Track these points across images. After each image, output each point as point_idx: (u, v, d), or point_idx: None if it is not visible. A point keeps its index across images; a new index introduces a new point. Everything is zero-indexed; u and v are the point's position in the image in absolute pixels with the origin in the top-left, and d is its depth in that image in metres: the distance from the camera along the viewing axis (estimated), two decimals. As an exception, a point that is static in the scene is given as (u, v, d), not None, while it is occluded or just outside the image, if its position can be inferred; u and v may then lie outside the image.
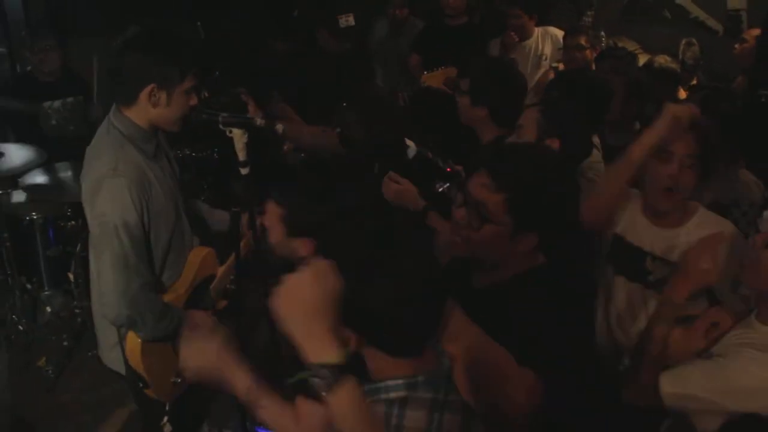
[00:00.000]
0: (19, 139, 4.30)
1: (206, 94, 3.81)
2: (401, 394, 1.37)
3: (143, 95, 2.20)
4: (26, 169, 3.98)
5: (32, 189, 3.93)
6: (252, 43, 5.29)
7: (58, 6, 5.38)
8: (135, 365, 2.37)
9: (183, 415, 2.62)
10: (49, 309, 4.16)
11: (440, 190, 2.72)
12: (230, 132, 2.28)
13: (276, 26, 5.31)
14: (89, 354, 3.92)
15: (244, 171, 2.32)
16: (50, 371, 3.90)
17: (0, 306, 4.28)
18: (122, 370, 2.46)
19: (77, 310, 4.06)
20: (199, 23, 5.61)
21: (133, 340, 2.32)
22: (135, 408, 3.19)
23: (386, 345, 1.36)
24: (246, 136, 2.29)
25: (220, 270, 2.65)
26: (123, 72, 2.22)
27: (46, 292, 4.15)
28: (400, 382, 1.37)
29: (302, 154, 3.60)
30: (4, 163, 3.90)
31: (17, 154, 3.99)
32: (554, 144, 2.55)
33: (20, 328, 4.09)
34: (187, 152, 4.24)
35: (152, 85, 2.19)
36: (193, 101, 2.30)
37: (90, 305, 3.69)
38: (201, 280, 2.55)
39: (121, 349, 2.39)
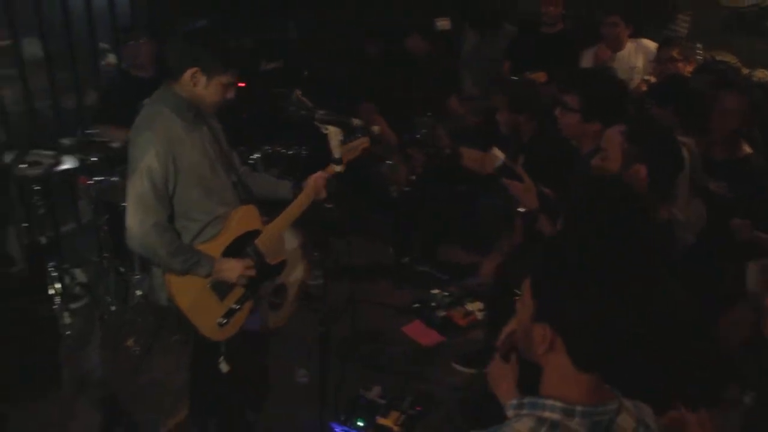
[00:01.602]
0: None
1: (299, 92, 3.89)
2: (555, 416, 1.34)
3: (187, 74, 2.54)
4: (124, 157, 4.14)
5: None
6: (343, 45, 5.38)
7: (160, 8, 5.58)
8: (175, 301, 2.68)
9: (239, 357, 2.90)
10: (138, 292, 4.33)
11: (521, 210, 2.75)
12: (325, 129, 2.35)
13: (368, 28, 5.38)
14: (174, 338, 4.09)
15: (338, 168, 2.37)
16: (137, 352, 4.06)
17: (95, 287, 4.51)
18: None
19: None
20: (292, 22, 5.74)
21: (167, 278, 2.66)
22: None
23: (580, 353, 1.36)
24: (341, 134, 2.34)
25: (268, 227, 2.87)
26: (178, 52, 2.60)
27: (137, 276, 4.28)
28: (558, 404, 1.35)
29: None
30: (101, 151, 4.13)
31: (116, 145, 4.17)
32: (641, 172, 2.44)
33: (112, 308, 4.28)
34: (278, 148, 4.34)
35: (196, 68, 2.52)
36: (230, 95, 2.61)
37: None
38: (243, 234, 2.80)
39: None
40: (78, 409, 3.65)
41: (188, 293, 2.70)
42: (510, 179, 2.82)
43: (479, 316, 4.32)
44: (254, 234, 2.83)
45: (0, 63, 4.78)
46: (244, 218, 2.82)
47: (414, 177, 4.38)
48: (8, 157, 4.09)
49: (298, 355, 3.99)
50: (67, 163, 4.06)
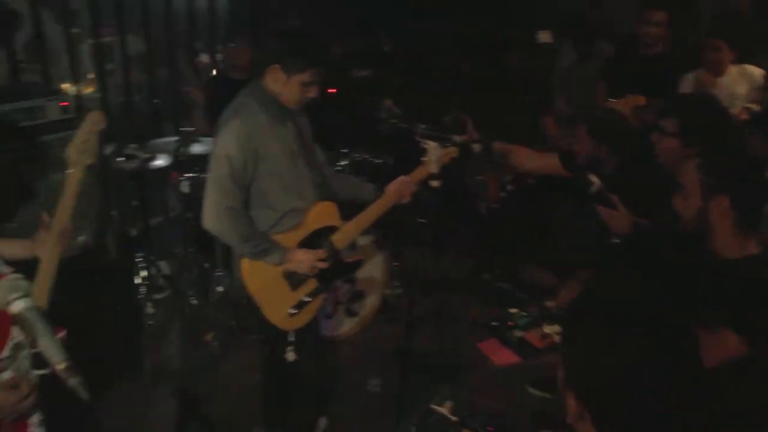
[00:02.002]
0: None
1: (389, 102, 3.90)
2: None
3: (270, 71, 2.66)
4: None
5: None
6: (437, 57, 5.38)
7: (260, 11, 5.70)
8: (246, 284, 2.77)
9: (305, 349, 2.94)
10: (220, 288, 4.42)
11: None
12: (425, 144, 2.35)
13: (469, 42, 5.37)
14: (252, 337, 4.14)
15: (434, 183, 2.37)
16: (215, 347, 4.14)
17: (178, 280, 4.63)
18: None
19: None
20: (384, 32, 5.76)
21: (241, 262, 2.77)
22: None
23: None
24: (440, 150, 2.33)
25: (346, 225, 2.93)
26: (264, 48, 2.75)
27: (219, 273, 4.37)
28: None
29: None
30: (194, 149, 4.24)
31: (208, 141, 4.28)
32: (723, 203, 2.25)
33: (193, 302, 4.38)
34: (365, 156, 4.36)
35: (277, 65, 2.63)
36: (312, 94, 2.69)
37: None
38: (319, 228, 2.89)
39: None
40: (156, 398, 3.75)
41: (260, 279, 2.79)
42: (604, 206, 2.75)
43: (557, 339, 4.23)
44: (331, 230, 2.91)
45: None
46: (322, 213, 2.91)
47: (504, 194, 4.33)
48: (108, 150, 4.23)
49: (371, 363, 4.00)
50: (162, 159, 4.17)
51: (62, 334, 2.11)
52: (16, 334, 2.03)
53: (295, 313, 2.85)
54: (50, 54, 4.56)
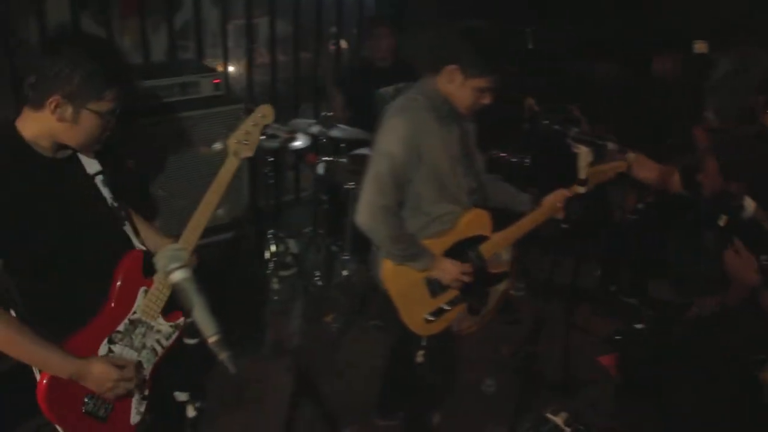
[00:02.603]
0: (356, 118, 4.64)
1: (532, 101, 3.82)
2: None
3: (446, 70, 2.56)
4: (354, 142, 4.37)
5: (355, 160, 4.26)
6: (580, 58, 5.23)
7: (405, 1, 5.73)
8: (385, 284, 2.75)
9: (438, 357, 2.94)
10: (345, 272, 4.50)
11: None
12: (577, 148, 2.28)
13: (608, 43, 5.19)
14: (371, 323, 4.20)
15: (581, 189, 2.30)
16: (335, 329, 4.22)
17: (304, 259, 4.75)
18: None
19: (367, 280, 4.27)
20: (528, 30, 5.65)
21: (384, 261, 2.74)
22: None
23: None
24: (592, 155, 2.26)
25: (496, 235, 2.84)
26: (444, 45, 2.63)
27: (345, 257, 4.45)
28: None
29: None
30: (335, 133, 4.33)
31: (347, 129, 4.39)
32: None
33: (318, 283, 4.48)
34: (502, 154, 4.31)
35: (456, 66, 2.54)
36: (486, 100, 2.60)
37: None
38: (469, 237, 2.81)
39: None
40: (273, 371, 3.85)
41: (400, 281, 2.75)
42: (757, 234, 2.55)
43: (682, 361, 4.04)
44: (480, 239, 2.82)
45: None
46: (474, 221, 2.82)
47: (642, 206, 4.16)
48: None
49: (488, 363, 3.96)
50: (301, 140, 4.28)
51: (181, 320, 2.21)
52: (138, 311, 2.13)
53: (432, 320, 2.82)
54: (205, 34, 4.76)
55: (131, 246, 2.19)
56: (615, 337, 4.24)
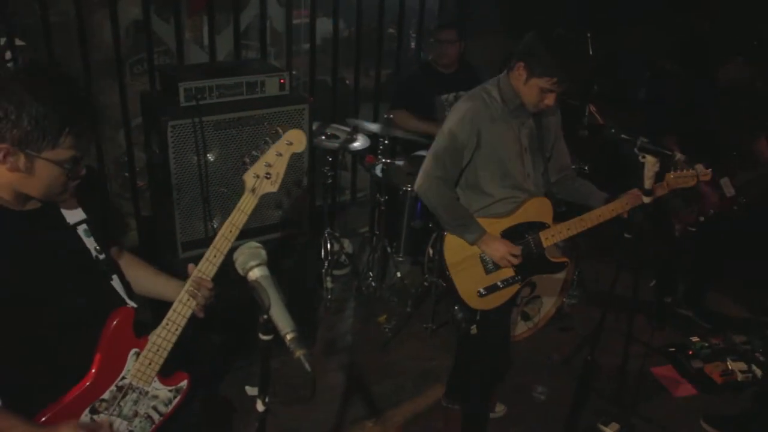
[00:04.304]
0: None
1: (593, 107, 3.79)
2: None
3: (517, 66, 2.70)
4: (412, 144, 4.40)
5: (413, 162, 4.29)
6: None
7: (467, 5, 5.74)
8: (445, 256, 2.89)
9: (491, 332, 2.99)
10: (398, 274, 4.53)
11: None
12: (643, 158, 2.28)
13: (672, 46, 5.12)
14: (424, 326, 4.23)
15: (646, 199, 2.29)
16: (387, 330, 4.25)
17: (359, 260, 4.80)
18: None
19: (425, 283, 4.33)
20: (589, 35, 5.60)
21: (447, 235, 2.90)
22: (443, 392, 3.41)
23: None
24: (657, 165, 2.26)
25: (558, 225, 2.90)
26: (521, 44, 2.72)
27: (400, 258, 4.47)
28: None
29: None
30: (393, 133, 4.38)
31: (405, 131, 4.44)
32: None
33: (372, 283, 4.52)
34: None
35: (523, 63, 2.67)
36: (548, 101, 2.70)
37: (437, 281, 3.99)
38: (528, 222, 2.90)
39: None
40: (325, 368, 3.91)
41: (458, 253, 2.90)
42: None
43: (740, 377, 3.97)
44: (540, 226, 2.90)
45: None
46: (535, 208, 2.91)
47: (703, 219, 4.10)
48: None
49: (540, 370, 3.96)
50: (361, 141, 4.32)
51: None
52: (128, 376, 1.92)
53: (484, 294, 2.90)
54: (270, 34, 4.84)
55: (121, 302, 1.96)
56: (669, 348, 4.19)
